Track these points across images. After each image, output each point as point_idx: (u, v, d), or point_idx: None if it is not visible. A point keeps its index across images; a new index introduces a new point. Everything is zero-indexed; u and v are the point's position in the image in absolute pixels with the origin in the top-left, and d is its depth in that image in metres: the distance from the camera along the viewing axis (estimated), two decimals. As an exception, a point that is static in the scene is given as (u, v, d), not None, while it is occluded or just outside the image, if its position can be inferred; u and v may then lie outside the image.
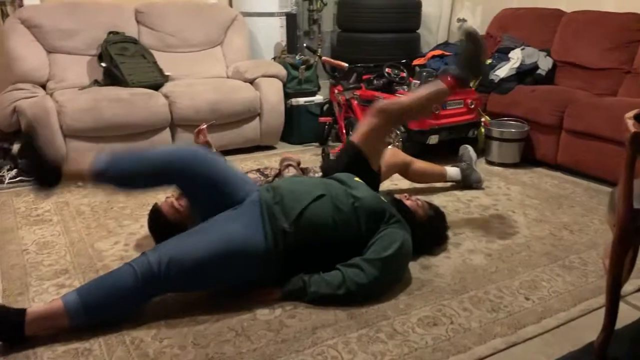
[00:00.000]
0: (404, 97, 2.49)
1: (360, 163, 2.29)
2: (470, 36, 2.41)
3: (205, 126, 2.90)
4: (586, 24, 3.67)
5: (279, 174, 2.54)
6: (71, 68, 3.58)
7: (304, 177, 2.27)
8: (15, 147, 3.25)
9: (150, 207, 2.33)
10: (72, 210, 2.74)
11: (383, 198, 2.13)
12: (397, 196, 2.27)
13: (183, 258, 1.73)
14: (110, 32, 3.67)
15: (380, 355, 1.62)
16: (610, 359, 1.57)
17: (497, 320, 1.80)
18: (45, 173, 1.88)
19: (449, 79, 2.42)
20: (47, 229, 2.51)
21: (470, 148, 3.12)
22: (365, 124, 2.35)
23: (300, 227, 1.86)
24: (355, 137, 2.35)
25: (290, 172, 2.48)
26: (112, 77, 3.53)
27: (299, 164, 2.60)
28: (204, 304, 1.85)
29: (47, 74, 3.51)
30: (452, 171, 3.02)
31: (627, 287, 1.95)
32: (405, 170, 2.88)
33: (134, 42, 3.72)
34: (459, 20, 4.92)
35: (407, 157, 2.89)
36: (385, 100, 2.45)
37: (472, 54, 2.42)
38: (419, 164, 2.90)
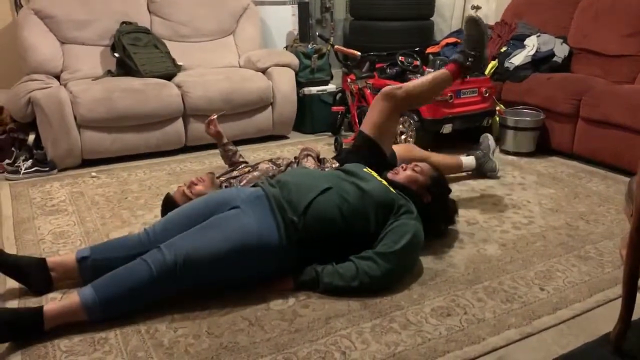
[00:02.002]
0: (409, 82, 2.52)
1: (373, 149, 2.34)
2: (473, 22, 2.49)
3: (215, 116, 2.90)
4: (604, 10, 3.60)
5: (297, 163, 2.54)
6: (84, 59, 3.59)
7: (311, 170, 2.26)
8: (31, 138, 3.29)
9: (163, 197, 2.35)
10: (87, 201, 2.77)
11: (391, 188, 2.09)
12: (389, 175, 2.19)
13: (200, 254, 1.74)
14: (122, 22, 3.68)
15: (393, 345, 1.62)
16: (627, 350, 1.55)
17: (511, 311, 1.79)
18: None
19: (451, 65, 2.52)
20: (63, 219, 2.54)
21: (490, 137, 3.09)
22: (372, 110, 2.43)
23: (308, 220, 1.86)
24: (365, 125, 2.43)
25: (309, 162, 2.48)
26: (125, 68, 3.54)
27: (318, 156, 2.59)
28: (217, 294, 1.85)
29: (61, 64, 3.53)
30: (468, 160, 2.99)
31: (644, 278, 1.93)
32: None
33: (147, 32, 3.72)
34: (473, 7, 4.85)
35: (423, 152, 2.86)
36: (390, 85, 2.48)
37: (473, 40, 2.50)
38: (435, 158, 2.86)
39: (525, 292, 1.90)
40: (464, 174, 3.04)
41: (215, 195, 2.02)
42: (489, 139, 3.07)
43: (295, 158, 2.62)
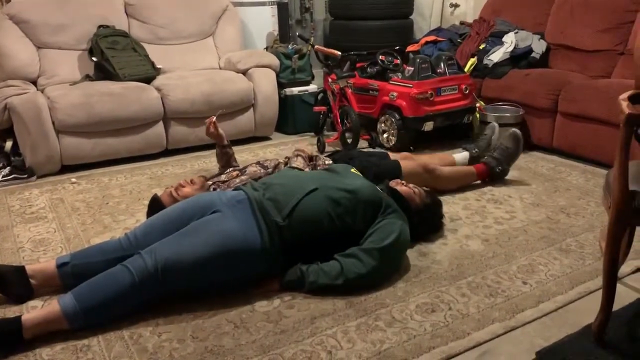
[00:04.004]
0: (447, 168, 2.78)
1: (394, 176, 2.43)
2: (515, 138, 2.82)
3: (214, 118, 2.84)
4: (579, 6, 3.65)
5: (286, 164, 2.53)
6: (62, 63, 3.55)
7: (297, 172, 2.25)
8: (8, 145, 3.23)
9: (145, 202, 2.33)
10: (67, 207, 2.73)
11: (379, 187, 2.12)
12: (391, 183, 2.27)
13: (181, 259, 1.73)
14: (100, 26, 3.63)
15: (379, 343, 1.62)
16: (608, 340, 1.58)
17: (495, 305, 1.80)
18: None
19: (481, 166, 2.82)
20: (43, 226, 2.50)
21: (497, 128, 3.06)
22: (412, 165, 2.62)
23: (294, 221, 1.86)
24: (402, 163, 2.60)
25: (298, 161, 2.47)
26: (103, 72, 3.50)
27: (310, 156, 2.58)
28: (201, 297, 1.84)
29: (38, 69, 3.48)
30: (460, 158, 2.96)
31: (624, 269, 1.96)
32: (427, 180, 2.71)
33: (125, 35, 3.68)
34: (451, 5, 4.89)
35: (436, 167, 2.73)
36: (435, 165, 2.72)
37: (509, 154, 2.84)
38: (447, 171, 2.78)
39: (509, 286, 1.92)
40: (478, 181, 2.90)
41: (196, 199, 2.01)
42: (494, 131, 3.04)
43: (286, 157, 2.62)
